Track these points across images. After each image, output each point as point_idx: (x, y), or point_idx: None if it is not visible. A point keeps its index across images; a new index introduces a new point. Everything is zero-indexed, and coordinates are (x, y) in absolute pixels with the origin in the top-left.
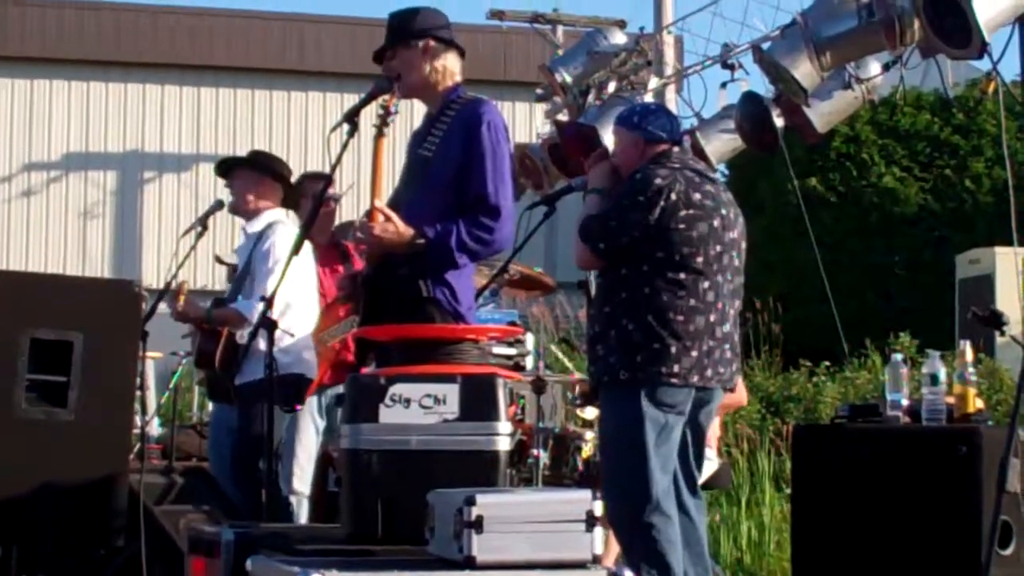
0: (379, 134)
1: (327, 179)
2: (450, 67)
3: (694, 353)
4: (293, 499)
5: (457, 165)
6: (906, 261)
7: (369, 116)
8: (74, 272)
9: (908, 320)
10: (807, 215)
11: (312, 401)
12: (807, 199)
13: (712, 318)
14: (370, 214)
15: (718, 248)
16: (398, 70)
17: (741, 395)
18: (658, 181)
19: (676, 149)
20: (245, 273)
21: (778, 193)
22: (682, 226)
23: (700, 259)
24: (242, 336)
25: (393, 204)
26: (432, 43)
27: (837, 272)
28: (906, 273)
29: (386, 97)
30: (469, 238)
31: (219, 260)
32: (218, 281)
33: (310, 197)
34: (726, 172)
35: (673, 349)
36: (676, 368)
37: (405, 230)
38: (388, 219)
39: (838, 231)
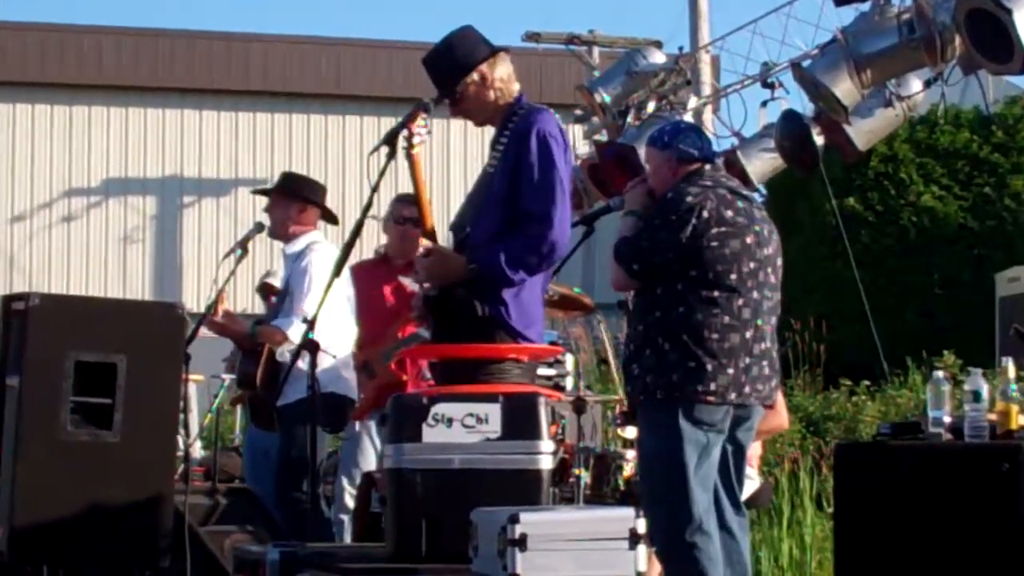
0: (411, 162)
1: (368, 204)
2: (507, 78)
3: (730, 371)
4: (345, 518)
5: (510, 178)
6: (945, 280)
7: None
8: (115, 297)
9: (948, 339)
10: (845, 235)
11: (372, 424)
12: (845, 219)
13: (748, 335)
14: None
15: (752, 265)
16: (470, 109)
17: (783, 419)
18: (689, 199)
19: (708, 167)
20: (286, 293)
21: (816, 213)
22: (714, 244)
23: (734, 276)
24: (282, 354)
25: (460, 221)
26: (484, 69)
27: (876, 291)
28: (945, 292)
29: (421, 119)
30: (522, 252)
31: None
32: (259, 305)
33: (394, 222)
34: (764, 192)
35: (709, 367)
36: (712, 386)
37: (454, 262)
38: (431, 255)
39: (877, 250)
